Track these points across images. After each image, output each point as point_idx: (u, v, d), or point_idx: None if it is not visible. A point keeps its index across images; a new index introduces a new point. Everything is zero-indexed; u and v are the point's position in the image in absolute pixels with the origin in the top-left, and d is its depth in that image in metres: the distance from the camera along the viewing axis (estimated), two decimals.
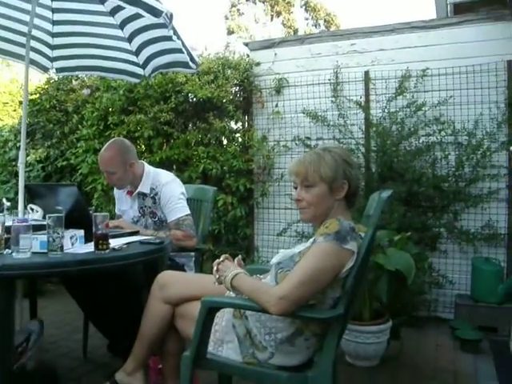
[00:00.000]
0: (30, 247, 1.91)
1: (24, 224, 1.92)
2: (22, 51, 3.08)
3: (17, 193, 4.97)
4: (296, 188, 1.78)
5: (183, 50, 2.57)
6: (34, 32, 2.90)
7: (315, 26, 26.16)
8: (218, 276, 1.78)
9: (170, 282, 2.01)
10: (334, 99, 4.15)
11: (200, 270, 3.03)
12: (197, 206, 3.04)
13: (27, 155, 5.27)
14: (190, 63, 2.73)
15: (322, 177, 1.71)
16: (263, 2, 25.88)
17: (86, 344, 2.97)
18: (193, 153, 4.27)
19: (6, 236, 2.01)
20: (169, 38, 2.56)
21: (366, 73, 4.09)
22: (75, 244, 2.12)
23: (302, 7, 26.24)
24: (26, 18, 2.87)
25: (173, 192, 2.73)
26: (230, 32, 25.44)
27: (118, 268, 2.11)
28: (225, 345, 1.77)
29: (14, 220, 2.11)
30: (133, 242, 2.26)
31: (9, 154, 5.44)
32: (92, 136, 4.54)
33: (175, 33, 2.33)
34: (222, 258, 1.84)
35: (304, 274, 1.57)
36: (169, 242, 2.36)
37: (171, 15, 2.12)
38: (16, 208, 4.46)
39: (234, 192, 4.20)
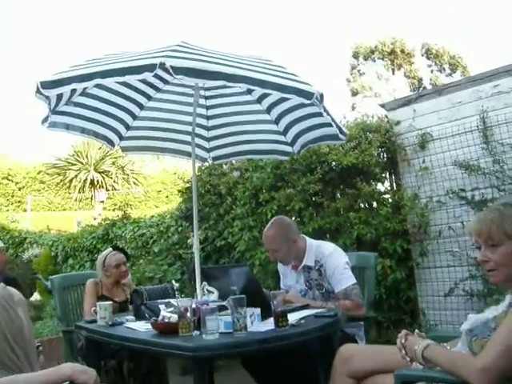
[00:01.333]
0: (218, 328, 2.04)
1: (210, 307, 2.07)
2: (184, 147, 3.46)
3: (182, 274, 5.41)
4: (479, 248, 1.70)
5: (332, 123, 2.67)
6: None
7: (440, 72, 25.51)
8: (404, 352, 1.73)
9: (354, 356, 1.99)
10: (484, 145, 3.94)
11: None
12: (360, 273, 3.03)
13: (187, 238, 5.73)
14: (340, 135, 2.81)
15: (508, 234, 1.61)
16: (382, 59, 26.04)
17: None
18: (344, 220, 4.29)
19: (193, 318, 2.17)
20: (318, 115, 2.69)
21: None
22: (254, 322, 2.21)
23: (422, 56, 25.89)
24: (186, 118, 3.24)
25: (338, 262, 2.76)
26: (355, 93, 25.80)
27: (298, 344, 2.15)
28: None
29: (196, 303, 2.29)
30: (308, 316, 2.30)
31: (172, 238, 5.95)
32: (246, 214, 4.80)
33: (325, 109, 2.44)
34: (403, 334, 1.79)
35: (506, 344, 1.46)
36: (342, 314, 2.37)
37: (322, 95, 2.23)
38: (184, 289, 4.81)
39: (391, 255, 4.10)
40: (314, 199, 4.46)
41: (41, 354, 2.14)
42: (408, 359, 1.73)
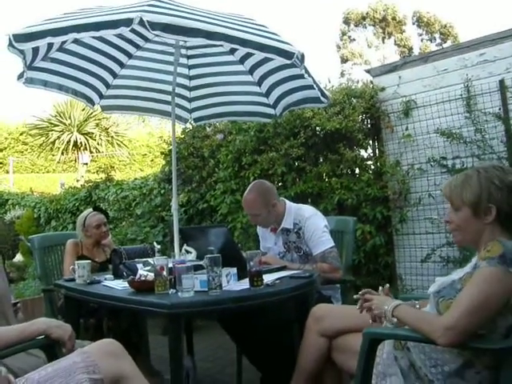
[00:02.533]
0: (193, 286, 2.05)
1: (186, 265, 2.08)
2: (165, 107, 3.41)
3: (164, 236, 5.41)
4: None
5: (314, 86, 2.64)
6: (176, 89, 3.18)
7: (430, 41, 25.35)
8: (375, 312, 1.77)
9: (326, 315, 2.04)
10: (468, 114, 3.94)
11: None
12: (338, 237, 3.05)
13: (170, 201, 5.71)
14: (322, 98, 2.79)
15: (464, 201, 1.66)
16: (373, 26, 25.72)
17: (240, 379, 3.04)
18: (326, 185, 4.30)
19: (169, 277, 2.19)
20: (300, 76, 2.66)
21: (501, 82, 3.83)
22: (230, 281, 2.24)
23: (414, 24, 25.63)
24: (168, 78, 3.17)
25: (316, 225, 2.78)
26: (344, 60, 25.56)
27: (272, 303, 2.18)
28: (388, 378, 1.73)
29: (173, 262, 2.30)
30: (283, 277, 2.33)
31: (155, 201, 5.92)
32: (228, 177, 4.78)
33: (306, 71, 2.41)
34: (361, 292, 1.85)
35: (470, 303, 1.50)
36: (317, 275, 2.40)
37: (302, 55, 2.20)
38: (166, 250, 4.83)
39: (371, 220, 4.14)
40: (296, 163, 4.45)
41: (19, 310, 2.15)
42: (375, 318, 1.77)
